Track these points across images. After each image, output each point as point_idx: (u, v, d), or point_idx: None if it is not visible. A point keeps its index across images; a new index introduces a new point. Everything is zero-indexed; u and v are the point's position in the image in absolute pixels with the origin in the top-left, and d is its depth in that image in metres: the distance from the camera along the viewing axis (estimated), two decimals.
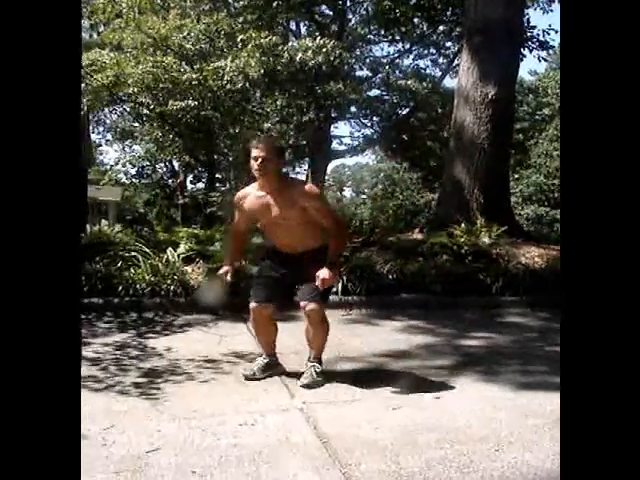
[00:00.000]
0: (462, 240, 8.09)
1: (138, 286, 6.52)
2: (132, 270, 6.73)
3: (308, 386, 4.01)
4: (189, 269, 7.10)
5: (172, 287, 6.59)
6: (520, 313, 6.75)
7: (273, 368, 4.27)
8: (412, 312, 6.54)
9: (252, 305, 4.16)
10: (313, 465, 2.88)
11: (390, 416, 3.54)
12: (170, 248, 7.29)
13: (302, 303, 4.02)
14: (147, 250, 7.06)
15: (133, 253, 7.03)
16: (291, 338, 4.78)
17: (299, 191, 3.99)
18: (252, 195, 4.09)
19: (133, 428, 3.26)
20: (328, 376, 4.26)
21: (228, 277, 4.18)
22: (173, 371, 4.38)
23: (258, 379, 4.16)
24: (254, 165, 3.90)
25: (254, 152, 3.92)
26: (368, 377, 4.34)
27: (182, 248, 7.42)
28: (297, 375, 4.25)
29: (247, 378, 4.16)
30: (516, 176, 23.95)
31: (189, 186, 17.72)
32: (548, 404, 3.71)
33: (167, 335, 5.55)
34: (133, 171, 18.00)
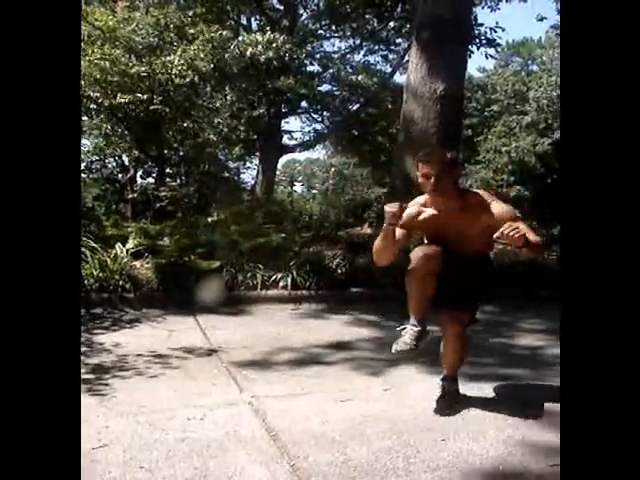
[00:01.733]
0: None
1: (86, 282, 6.43)
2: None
3: None
4: (138, 264, 7.03)
5: (121, 282, 6.51)
6: None
7: (425, 336, 3.51)
8: (361, 306, 6.60)
9: (421, 250, 3.44)
10: (261, 458, 2.90)
11: (338, 408, 3.58)
12: (119, 243, 7.20)
13: (451, 312, 3.54)
14: (95, 245, 6.97)
15: (81, 249, 6.93)
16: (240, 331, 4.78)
17: (475, 201, 3.48)
18: (424, 213, 3.55)
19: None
20: (276, 370, 4.28)
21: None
22: (121, 367, 4.34)
23: (415, 349, 3.45)
24: (426, 185, 3.40)
25: (424, 168, 3.39)
26: (316, 370, 4.37)
27: (131, 243, 7.34)
28: (245, 369, 4.27)
29: (400, 352, 3.46)
30: (465, 172, 24.21)
31: (139, 181, 17.50)
32: (494, 394, 3.80)
33: (115, 330, 5.49)
34: (82, 166, 17.73)
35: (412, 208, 3.56)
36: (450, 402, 3.60)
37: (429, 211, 3.53)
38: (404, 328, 3.48)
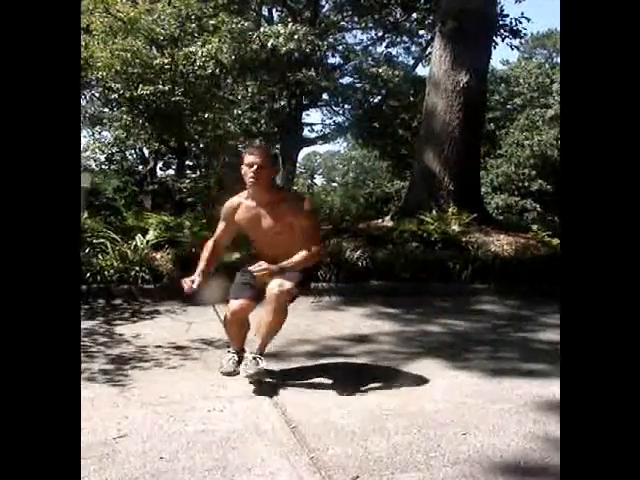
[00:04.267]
0: (432, 228, 8.13)
1: (106, 273, 6.46)
2: (100, 257, 6.66)
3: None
4: (158, 256, 7.05)
5: (141, 274, 6.53)
6: (489, 300, 6.80)
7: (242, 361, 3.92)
8: (382, 299, 6.57)
9: (233, 302, 3.90)
10: (281, 450, 2.89)
11: (359, 402, 3.56)
12: (139, 235, 7.22)
13: (273, 284, 3.73)
14: (116, 237, 6.99)
15: (101, 240, 6.95)
16: None
17: (290, 204, 3.82)
18: (242, 206, 3.92)
19: (100, 415, 3.23)
20: (296, 362, 4.27)
21: (194, 286, 3.86)
22: (141, 358, 4.35)
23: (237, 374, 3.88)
24: (247, 172, 3.74)
25: (248, 159, 3.76)
26: (337, 363, 4.35)
27: (151, 235, 7.35)
28: (265, 360, 4.26)
29: (227, 374, 3.91)
30: (487, 165, 24.08)
31: (159, 173, 17.61)
32: (515, 389, 3.76)
33: (135, 322, 5.51)
34: (102, 157, 17.84)
35: (234, 200, 3.99)
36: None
37: (248, 203, 3.89)
38: (228, 353, 4.06)
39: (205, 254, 4.07)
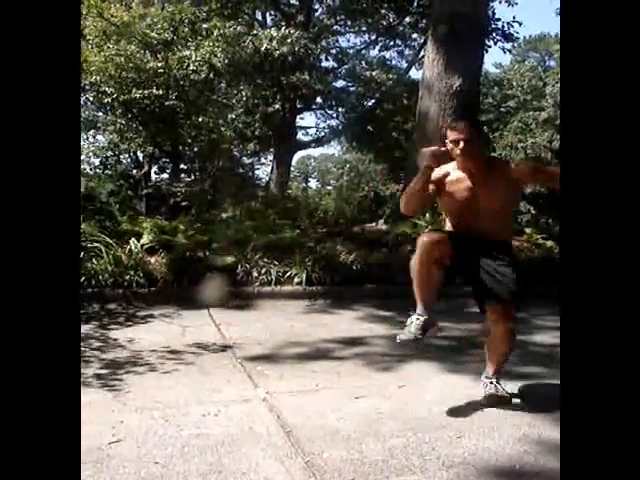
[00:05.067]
0: (426, 230, 8.12)
1: (101, 277, 6.46)
2: (95, 261, 6.65)
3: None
4: (152, 260, 7.04)
5: (135, 278, 6.53)
6: None
7: (432, 326, 3.53)
8: (376, 302, 6.57)
9: (426, 236, 3.47)
10: (276, 454, 2.89)
11: (353, 405, 3.56)
12: (133, 239, 7.21)
13: (502, 306, 3.51)
14: (110, 241, 6.99)
15: (96, 244, 6.94)
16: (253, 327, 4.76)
17: (503, 165, 3.68)
18: (453, 176, 3.61)
19: (95, 420, 3.22)
20: (291, 365, 4.27)
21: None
22: (135, 362, 4.34)
23: (418, 340, 3.47)
24: (456, 150, 3.50)
25: (453, 135, 3.53)
26: (331, 366, 4.35)
27: (145, 239, 7.35)
28: (260, 364, 4.27)
29: (404, 342, 3.50)
30: None
31: (153, 177, 17.55)
32: (510, 392, 3.76)
33: (130, 326, 5.51)
34: (97, 161, 17.81)
35: (442, 169, 3.62)
36: (500, 397, 3.59)
37: (457, 173, 3.60)
38: (410, 318, 3.49)
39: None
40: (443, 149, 3.54)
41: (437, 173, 3.59)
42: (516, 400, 3.65)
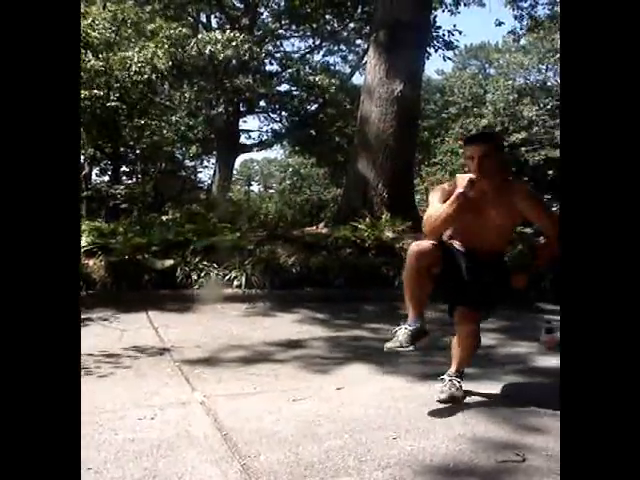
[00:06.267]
0: (366, 234, 8.20)
1: None
2: None
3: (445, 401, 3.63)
4: (90, 262, 6.93)
5: None
6: None
7: (422, 336, 3.48)
8: (316, 305, 6.60)
9: (416, 246, 3.45)
10: (213, 458, 2.87)
11: (291, 408, 3.56)
12: None
13: (468, 310, 3.63)
14: None
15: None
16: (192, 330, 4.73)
17: (517, 190, 3.54)
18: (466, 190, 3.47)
19: None
20: (229, 368, 4.27)
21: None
22: None
23: (405, 350, 3.45)
24: (473, 166, 3.43)
25: (469, 151, 3.49)
26: (270, 369, 4.35)
27: (84, 241, 7.23)
28: (198, 367, 4.25)
29: (391, 351, 3.48)
30: (422, 173, 24.39)
31: (95, 179, 17.31)
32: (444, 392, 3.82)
33: None
34: None
35: (451, 185, 3.54)
36: (455, 397, 3.64)
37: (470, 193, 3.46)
38: (400, 327, 3.46)
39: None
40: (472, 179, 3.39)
41: (447, 193, 3.48)
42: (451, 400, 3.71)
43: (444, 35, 17.17)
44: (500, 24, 18.36)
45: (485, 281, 3.56)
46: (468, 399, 3.72)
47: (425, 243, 3.46)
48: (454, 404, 3.60)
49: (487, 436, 3.18)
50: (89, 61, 12.70)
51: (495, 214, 3.51)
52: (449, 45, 17.40)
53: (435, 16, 16.88)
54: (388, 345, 3.46)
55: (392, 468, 2.81)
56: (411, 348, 3.41)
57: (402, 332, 3.42)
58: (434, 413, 3.50)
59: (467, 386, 3.94)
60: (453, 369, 3.77)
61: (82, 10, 13.29)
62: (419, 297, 3.47)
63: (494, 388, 3.98)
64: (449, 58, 18.71)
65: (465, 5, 19.95)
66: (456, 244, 3.65)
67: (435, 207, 3.49)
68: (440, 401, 3.61)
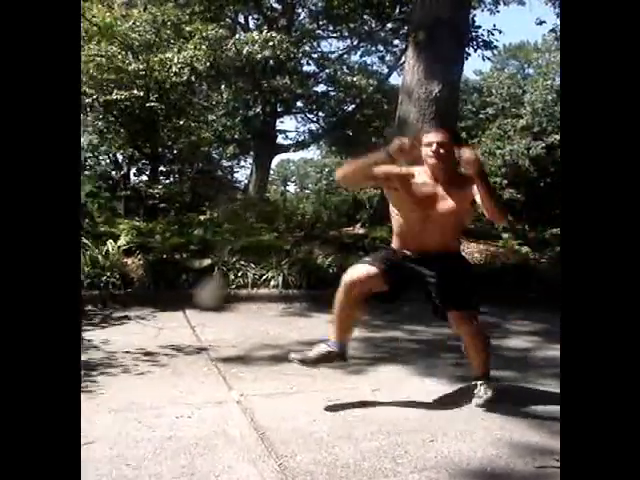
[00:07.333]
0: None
1: None
2: None
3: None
4: (129, 261, 7.02)
5: (111, 279, 6.50)
6: None
7: (336, 359, 3.71)
8: None
9: (360, 266, 3.59)
10: (249, 457, 2.89)
11: (327, 408, 3.57)
12: (110, 240, 7.18)
13: (461, 313, 3.62)
14: (87, 242, 6.95)
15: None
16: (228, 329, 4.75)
17: (467, 177, 3.50)
18: (420, 177, 3.62)
19: None
20: (265, 368, 4.28)
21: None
22: (109, 364, 4.32)
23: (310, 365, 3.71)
24: (428, 152, 3.52)
25: (429, 137, 3.57)
26: (305, 369, 4.34)
27: (122, 240, 7.32)
28: (234, 367, 4.28)
29: (299, 361, 3.70)
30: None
31: (132, 179, 17.50)
32: (482, 396, 3.78)
33: (104, 327, 5.48)
34: None
35: (410, 169, 3.65)
36: (490, 400, 3.62)
37: (424, 178, 3.61)
38: (321, 343, 3.69)
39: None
40: (411, 144, 3.47)
41: (405, 171, 3.62)
42: (489, 405, 3.68)
43: (483, 35, 17.01)
44: (541, 23, 18.04)
45: (450, 280, 3.59)
46: (505, 403, 3.68)
47: (359, 272, 3.55)
48: (488, 408, 3.57)
49: (524, 441, 3.16)
50: (129, 63, 12.83)
51: (448, 207, 3.55)
52: (488, 45, 17.19)
53: (474, 15, 16.75)
54: (293, 355, 3.73)
55: (429, 471, 2.81)
56: (315, 368, 3.72)
57: (319, 348, 3.67)
58: (471, 416, 3.48)
59: (506, 389, 3.91)
60: (479, 373, 3.75)
61: (123, 13, 13.47)
62: (345, 324, 3.70)
63: (532, 392, 3.94)
64: (488, 58, 18.50)
65: (505, 4, 19.78)
66: (407, 252, 3.68)
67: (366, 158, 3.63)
68: (477, 406, 3.60)
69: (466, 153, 3.36)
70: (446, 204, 3.55)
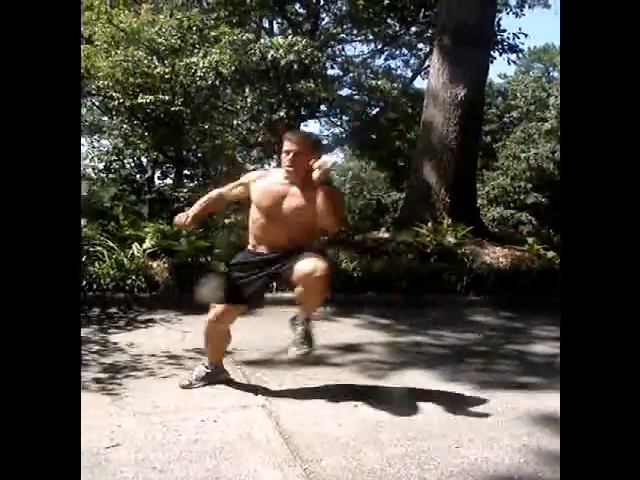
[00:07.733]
0: (428, 239, 8.13)
1: (102, 281, 6.46)
2: (97, 265, 6.65)
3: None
4: (154, 264, 7.04)
5: (137, 282, 6.53)
6: (483, 312, 6.80)
7: (213, 377, 3.99)
8: (377, 310, 6.56)
9: (219, 306, 3.81)
10: (274, 461, 2.89)
11: (352, 413, 3.56)
12: (136, 243, 7.21)
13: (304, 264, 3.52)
14: (112, 245, 6.99)
15: (98, 248, 6.95)
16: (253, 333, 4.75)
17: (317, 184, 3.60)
18: (273, 179, 3.79)
19: (92, 424, 3.20)
20: (290, 372, 4.28)
21: (188, 221, 3.94)
22: (135, 367, 4.35)
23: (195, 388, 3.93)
24: (284, 159, 3.70)
25: (286, 145, 3.72)
26: (330, 373, 4.35)
27: (148, 243, 7.34)
28: (259, 370, 4.27)
29: (183, 387, 3.91)
30: (483, 178, 24.09)
31: (157, 182, 17.60)
32: (508, 402, 3.76)
33: (130, 330, 5.51)
34: (101, 166, 17.85)
35: (261, 173, 4.04)
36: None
37: (278, 179, 3.77)
38: (200, 366, 4.03)
39: (204, 199, 4.08)
40: (189, 215, 3.94)
41: (256, 178, 3.88)
42: (515, 412, 3.65)
43: (508, 38, 16.92)
44: None
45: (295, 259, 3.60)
46: (532, 409, 3.65)
47: (221, 312, 3.80)
48: (514, 414, 3.52)
49: (552, 448, 3.11)
50: (155, 67, 12.92)
51: (300, 209, 3.67)
52: (514, 48, 17.11)
53: (500, 19, 16.66)
54: (183, 382, 3.98)
55: (455, 477, 2.79)
56: (200, 384, 3.94)
57: (198, 370, 4.01)
58: (497, 423, 3.45)
59: (532, 396, 3.88)
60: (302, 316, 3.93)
61: (150, 18, 13.58)
62: (217, 349, 4.03)
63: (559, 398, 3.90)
64: (513, 62, 18.38)
65: (530, 7, 19.67)
66: (261, 249, 3.80)
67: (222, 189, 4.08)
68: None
69: (317, 163, 3.57)
70: (294, 203, 3.69)
